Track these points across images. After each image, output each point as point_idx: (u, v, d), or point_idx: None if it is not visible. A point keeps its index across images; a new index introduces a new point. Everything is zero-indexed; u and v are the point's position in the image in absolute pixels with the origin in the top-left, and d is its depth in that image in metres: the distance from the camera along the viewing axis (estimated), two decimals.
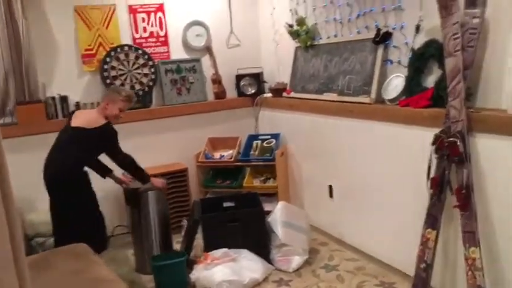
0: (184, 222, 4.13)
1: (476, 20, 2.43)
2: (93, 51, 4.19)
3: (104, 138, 3.27)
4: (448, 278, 2.78)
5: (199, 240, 3.53)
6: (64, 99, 4.04)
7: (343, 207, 3.71)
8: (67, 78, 4.11)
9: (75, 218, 3.16)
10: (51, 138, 3.95)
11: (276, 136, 4.43)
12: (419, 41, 2.92)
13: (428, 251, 2.70)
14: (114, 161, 3.38)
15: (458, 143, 2.43)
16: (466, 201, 2.42)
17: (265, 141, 4.43)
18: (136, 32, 4.37)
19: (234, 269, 3.11)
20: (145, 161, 4.05)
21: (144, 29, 4.40)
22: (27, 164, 3.90)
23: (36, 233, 3.63)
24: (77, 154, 3.20)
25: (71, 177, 3.22)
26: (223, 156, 4.43)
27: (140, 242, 3.51)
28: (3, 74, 3.76)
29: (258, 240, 3.38)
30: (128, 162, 3.38)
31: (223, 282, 3.04)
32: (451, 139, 2.47)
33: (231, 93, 4.78)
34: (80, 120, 3.29)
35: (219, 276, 3.05)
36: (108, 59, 4.19)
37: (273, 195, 4.24)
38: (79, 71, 4.17)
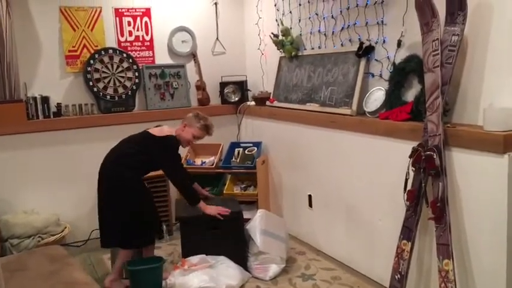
0: (163, 228, 4.11)
1: (455, 38, 2.50)
2: (77, 53, 4.17)
3: (161, 146, 3.26)
4: None
5: (177, 246, 3.51)
6: (45, 99, 4.00)
7: (321, 217, 3.74)
8: (49, 78, 4.08)
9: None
10: (31, 138, 3.95)
11: (257, 144, 4.45)
12: (401, 55, 2.98)
13: (403, 262, 2.74)
14: (164, 172, 3.43)
15: (435, 157, 2.48)
16: (441, 213, 2.47)
17: (247, 149, 4.45)
18: (122, 35, 4.36)
19: (211, 275, 3.10)
20: None
21: (130, 33, 4.40)
22: (5, 164, 3.87)
23: (10, 235, 3.58)
24: (133, 156, 3.25)
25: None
26: (204, 162, 4.43)
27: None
28: None
29: (236, 247, 3.37)
30: (178, 178, 3.35)
31: None
32: (428, 153, 2.52)
33: (215, 100, 4.80)
34: (154, 130, 3.37)
35: (195, 283, 3.04)
36: (92, 61, 4.18)
37: (252, 203, 4.26)
38: (62, 72, 4.15)
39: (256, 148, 4.42)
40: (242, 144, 4.55)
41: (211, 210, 3.29)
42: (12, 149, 3.91)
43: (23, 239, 3.60)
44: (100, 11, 4.23)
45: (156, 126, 3.46)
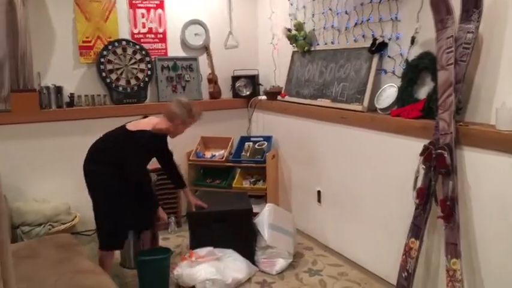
0: (172, 219, 4.14)
1: (470, 35, 2.47)
2: (91, 44, 4.19)
3: (128, 141, 3.04)
4: None
5: (185, 238, 3.53)
6: (59, 89, 4.03)
7: (330, 213, 3.74)
8: (63, 68, 4.11)
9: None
10: (44, 127, 3.99)
11: (268, 139, 4.45)
12: (414, 52, 2.95)
13: (411, 261, 2.73)
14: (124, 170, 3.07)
15: (446, 155, 2.46)
16: (450, 212, 2.45)
17: (257, 143, 4.45)
18: (135, 27, 4.38)
19: (218, 268, 3.12)
20: None
21: (143, 25, 4.41)
22: (18, 152, 3.91)
23: (22, 222, 3.62)
24: (105, 151, 3.12)
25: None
26: (214, 155, 4.45)
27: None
28: None
29: (244, 240, 3.39)
30: (134, 178, 3.09)
31: (206, 280, 3.05)
32: (439, 151, 2.50)
33: (226, 93, 4.80)
34: (131, 124, 3.19)
35: (202, 275, 3.06)
36: (105, 52, 4.19)
37: (261, 197, 4.26)
38: (75, 62, 4.17)
39: (266, 142, 4.42)
40: (252, 139, 4.55)
41: (164, 214, 3.30)
42: (25, 138, 3.95)
43: (34, 227, 3.64)
44: (114, 3, 4.24)
45: (144, 117, 3.30)
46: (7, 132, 3.77)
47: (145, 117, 3.30)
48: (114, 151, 3.06)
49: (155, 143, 3.11)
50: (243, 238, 3.39)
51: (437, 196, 2.56)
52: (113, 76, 4.24)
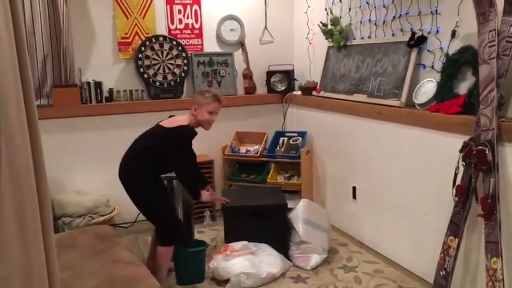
0: (207, 213, 4.19)
1: None
2: (129, 40, 4.28)
3: (171, 138, 3.05)
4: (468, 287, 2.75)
5: (219, 232, 3.57)
6: (98, 84, 4.14)
7: (365, 210, 3.70)
8: (102, 64, 4.21)
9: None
10: (84, 121, 4.10)
11: (302, 134, 4.44)
12: (455, 46, 2.88)
13: (449, 259, 2.68)
14: (172, 165, 3.13)
15: (487, 152, 2.40)
16: (491, 210, 2.39)
17: (292, 139, 4.45)
18: (172, 23, 4.44)
19: (253, 262, 3.14)
20: None
21: (180, 21, 4.47)
22: (60, 146, 4.04)
23: (63, 213, 3.75)
24: (144, 150, 3.13)
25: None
26: (249, 150, 4.47)
27: None
28: (42, 56, 3.88)
29: (279, 235, 3.40)
30: (183, 174, 3.15)
31: (241, 274, 3.07)
32: (480, 147, 2.44)
33: (261, 89, 4.81)
34: (165, 122, 3.20)
35: (237, 268, 3.09)
36: (143, 48, 4.27)
37: (296, 193, 4.26)
38: (114, 58, 4.27)
39: (301, 138, 4.41)
40: (287, 134, 4.55)
41: (205, 196, 3.23)
42: (66, 132, 4.07)
43: (75, 218, 3.76)
44: (152, 0, 4.32)
45: (170, 117, 3.29)
46: (50, 126, 3.90)
47: (170, 117, 3.31)
48: (156, 148, 3.08)
49: (194, 136, 3.13)
50: (277, 233, 3.40)
51: (478, 194, 2.50)
52: (150, 71, 4.31)
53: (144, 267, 2.54)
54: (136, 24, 4.28)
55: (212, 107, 3.12)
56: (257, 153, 4.38)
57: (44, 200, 1.37)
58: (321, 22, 4.14)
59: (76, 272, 2.34)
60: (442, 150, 2.86)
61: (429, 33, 3.10)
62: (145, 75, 4.30)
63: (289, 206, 3.56)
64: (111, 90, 4.22)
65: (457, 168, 2.62)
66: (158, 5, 4.35)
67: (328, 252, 3.47)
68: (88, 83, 4.10)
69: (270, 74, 4.73)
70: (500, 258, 2.35)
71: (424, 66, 3.16)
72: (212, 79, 4.58)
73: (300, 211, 3.47)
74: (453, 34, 2.90)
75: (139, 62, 4.27)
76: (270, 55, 4.79)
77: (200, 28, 4.54)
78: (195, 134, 3.09)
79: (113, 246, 2.69)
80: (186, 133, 3.06)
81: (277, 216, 3.41)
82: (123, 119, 4.25)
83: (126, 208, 4.23)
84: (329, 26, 4.05)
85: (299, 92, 4.56)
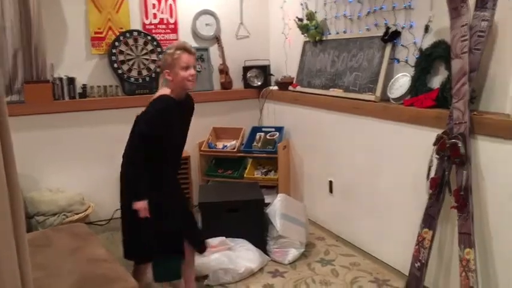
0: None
1: (485, 23, 2.43)
2: (103, 35, 4.21)
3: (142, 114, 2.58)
4: (442, 278, 2.80)
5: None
6: (71, 80, 4.06)
7: (342, 203, 3.73)
8: (75, 60, 4.13)
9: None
10: (57, 118, 4.02)
11: (279, 129, 4.44)
12: (428, 41, 2.92)
13: (424, 251, 2.72)
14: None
15: (460, 145, 2.44)
16: (464, 202, 2.44)
17: (269, 134, 4.45)
18: (147, 18, 4.38)
19: (231, 257, 3.14)
20: None
21: (154, 16, 4.41)
22: (32, 143, 3.96)
23: (36, 212, 3.67)
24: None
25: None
26: (226, 146, 4.46)
27: None
28: (12, 51, 3.78)
29: (256, 230, 3.40)
30: (129, 153, 2.60)
31: (219, 270, 3.07)
32: (453, 140, 2.48)
33: (238, 84, 4.80)
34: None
35: (215, 264, 3.09)
36: (117, 43, 4.20)
37: (273, 188, 4.27)
38: (87, 53, 4.19)
39: (277, 133, 4.42)
40: (264, 129, 4.55)
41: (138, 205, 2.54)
42: (39, 129, 3.99)
43: (48, 217, 3.68)
44: None
45: None
46: (21, 123, 3.81)
47: None
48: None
49: (178, 109, 2.57)
50: (255, 228, 3.41)
51: (451, 186, 2.54)
52: (125, 67, 4.25)
53: (122, 265, 2.51)
54: (109, 19, 4.21)
55: (182, 60, 2.52)
56: (234, 149, 4.37)
57: (15, 198, 1.33)
58: (296, 17, 4.15)
59: (50, 272, 2.29)
60: (416, 144, 2.91)
61: (403, 28, 3.13)
62: (120, 71, 4.23)
63: (266, 201, 3.57)
64: (84, 86, 4.14)
65: (431, 161, 2.66)
66: None
67: (305, 246, 3.50)
68: (60, 79, 4.02)
69: (246, 69, 4.72)
70: (473, 249, 2.41)
71: (398, 61, 3.20)
72: None
73: (277, 206, 3.48)
74: (426, 29, 2.94)
75: (113, 58, 4.21)
76: (246, 50, 4.78)
77: (175, 23, 4.50)
78: (170, 105, 2.52)
79: (88, 244, 2.64)
80: (158, 103, 2.54)
81: (254, 211, 3.41)
82: (97, 116, 4.19)
83: (102, 205, 4.19)
84: (305, 21, 4.06)
85: (275, 87, 4.56)
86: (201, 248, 2.86)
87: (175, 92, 2.59)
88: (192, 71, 2.56)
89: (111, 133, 4.23)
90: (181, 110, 2.64)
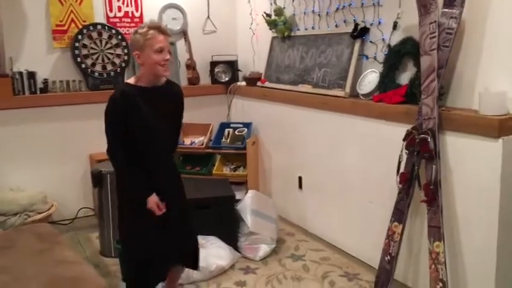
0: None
1: (453, 20, 2.48)
2: (65, 28, 4.06)
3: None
4: (411, 271, 2.86)
5: None
6: (32, 75, 3.90)
7: (311, 199, 3.75)
8: (36, 53, 3.97)
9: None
10: (17, 114, 3.87)
11: (248, 125, 4.42)
12: (396, 38, 2.96)
13: (394, 244, 2.76)
14: None
15: (429, 140, 2.48)
16: (434, 196, 2.48)
17: (237, 130, 4.42)
18: (111, 10, 4.26)
19: (202, 255, 3.09)
20: None
21: (119, 9, 4.30)
22: None
23: None
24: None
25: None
26: (194, 142, 4.40)
27: (106, 224, 3.44)
28: None
29: (227, 227, 3.37)
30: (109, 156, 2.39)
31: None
32: (422, 136, 2.52)
33: (205, 79, 4.74)
34: None
35: None
36: (80, 37, 4.07)
37: (242, 184, 4.25)
38: (49, 47, 4.03)
39: (246, 129, 4.39)
40: (232, 125, 4.52)
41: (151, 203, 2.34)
42: None
43: (9, 216, 3.53)
44: None
45: None
46: None
47: None
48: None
49: (146, 96, 2.30)
50: (225, 225, 3.37)
51: (421, 180, 2.59)
52: (89, 61, 4.12)
53: (90, 266, 2.43)
54: (72, 11, 4.07)
55: (155, 42, 2.23)
56: (202, 145, 4.31)
57: None
58: (264, 12, 4.13)
59: (15, 275, 2.19)
60: (385, 139, 2.94)
61: (371, 24, 3.16)
62: (83, 65, 4.11)
63: (236, 197, 3.54)
64: (45, 81, 3.99)
65: (401, 156, 2.70)
66: None
67: (276, 242, 3.49)
68: (20, 73, 3.86)
69: (213, 64, 4.67)
70: (442, 242, 2.46)
71: (367, 57, 3.23)
72: None
73: (248, 202, 3.46)
74: (395, 26, 2.98)
75: (76, 51, 4.07)
76: (213, 45, 4.73)
77: (141, 16, 4.39)
78: (126, 93, 2.27)
79: (54, 245, 2.55)
80: (113, 93, 2.32)
81: (225, 208, 3.37)
82: (60, 111, 4.05)
83: (65, 204, 4.07)
84: (273, 17, 4.04)
85: (243, 83, 4.53)
86: (196, 265, 2.62)
87: (145, 78, 2.32)
88: (166, 55, 2.27)
89: (74, 129, 4.12)
90: (154, 97, 2.33)
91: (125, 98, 2.27)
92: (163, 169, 2.44)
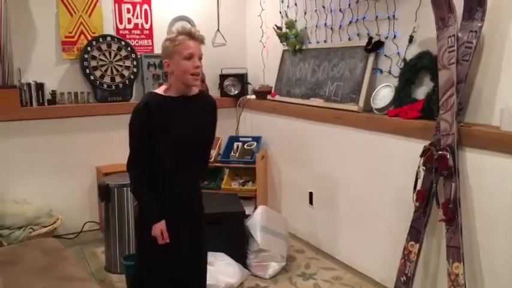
0: None
1: (472, 34, 2.42)
2: (74, 39, 4.03)
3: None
4: None
5: None
6: (40, 86, 3.86)
7: (322, 215, 3.66)
8: (44, 64, 3.94)
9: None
10: (24, 126, 3.82)
11: (257, 139, 4.35)
12: (412, 51, 2.89)
13: (410, 264, 2.67)
14: None
15: (448, 157, 2.41)
16: (453, 215, 2.40)
17: (246, 144, 4.35)
18: (121, 22, 4.23)
19: (210, 272, 2.98)
20: (123, 156, 3.92)
21: (129, 20, 4.27)
22: None
23: (0, 225, 3.44)
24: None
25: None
26: None
27: (113, 239, 3.36)
28: None
29: (236, 244, 3.28)
30: (128, 167, 2.20)
31: None
32: (441, 152, 2.44)
33: (214, 92, 4.68)
34: None
35: None
36: (89, 48, 4.04)
37: (250, 199, 4.17)
38: (58, 58, 4.00)
39: (255, 143, 4.33)
40: (241, 139, 4.45)
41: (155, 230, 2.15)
42: (4, 137, 3.77)
43: (14, 230, 3.47)
44: None
45: None
46: None
47: None
48: None
49: (175, 107, 2.13)
50: (235, 241, 3.29)
51: (439, 199, 2.50)
52: (97, 73, 4.09)
53: (95, 282, 2.35)
54: (81, 22, 4.04)
55: (184, 47, 2.08)
56: (211, 159, 4.24)
57: None
58: (275, 25, 4.08)
59: None
60: (401, 155, 2.87)
61: (386, 38, 3.10)
62: (92, 77, 4.07)
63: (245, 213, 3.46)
64: (53, 92, 3.95)
65: (418, 173, 2.62)
66: (106, 3, 4.14)
67: (286, 259, 3.40)
68: (28, 84, 3.82)
69: (223, 77, 4.62)
70: (461, 263, 2.36)
71: (381, 71, 3.17)
72: (163, 82, 4.39)
73: (257, 218, 3.38)
74: (410, 39, 2.91)
75: (85, 63, 4.04)
76: (223, 58, 4.68)
77: (150, 28, 4.36)
78: (152, 102, 2.09)
79: (60, 261, 2.47)
80: (135, 108, 2.14)
81: (234, 224, 3.29)
82: (67, 123, 4.00)
83: (70, 218, 4.01)
84: (284, 30, 4.00)
85: (253, 96, 4.47)
86: None
87: (174, 87, 2.15)
88: (196, 62, 2.09)
89: (81, 141, 4.07)
90: (184, 109, 2.16)
91: (149, 109, 2.09)
92: (187, 188, 2.26)
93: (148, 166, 2.13)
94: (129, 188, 3.26)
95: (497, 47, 2.40)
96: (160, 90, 2.19)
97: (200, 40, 2.14)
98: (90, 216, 4.15)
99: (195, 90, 2.25)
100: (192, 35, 2.11)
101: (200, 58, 2.13)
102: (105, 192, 3.36)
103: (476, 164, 2.40)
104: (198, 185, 2.40)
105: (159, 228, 2.15)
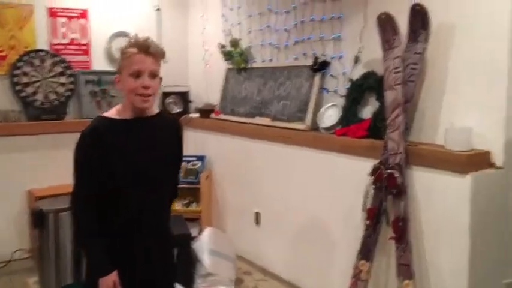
0: None
1: (417, 56, 2.49)
2: (4, 54, 3.76)
3: None
4: None
5: None
6: None
7: (269, 236, 3.61)
8: None
9: None
10: None
11: (201, 158, 4.25)
12: (358, 72, 2.94)
13: (361, 283, 2.67)
14: None
15: (397, 175, 2.44)
16: (403, 233, 2.43)
17: (190, 163, 4.24)
18: (55, 37, 4.01)
19: None
20: (58, 179, 3.69)
21: (64, 35, 4.06)
22: None
23: None
24: None
25: None
26: None
27: (48, 269, 3.12)
28: None
29: (183, 268, 3.14)
30: (72, 208, 1.84)
31: None
32: (390, 171, 2.47)
33: (156, 110, 4.54)
34: None
35: None
36: (20, 64, 3.78)
37: (195, 220, 4.04)
38: None
39: (200, 162, 4.22)
40: (185, 158, 4.32)
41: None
42: None
43: None
44: (32, 10, 3.85)
45: None
46: None
47: None
48: None
49: (127, 130, 1.84)
50: (181, 266, 3.14)
51: (389, 217, 2.53)
52: (29, 90, 3.83)
53: None
54: (12, 36, 3.78)
55: (132, 62, 1.78)
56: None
57: None
58: (219, 43, 4.04)
59: None
60: (348, 174, 2.88)
61: (332, 58, 3.14)
62: (23, 94, 3.80)
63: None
64: None
65: (367, 191, 2.64)
66: (39, 16, 3.91)
67: (234, 283, 3.30)
68: None
69: (164, 95, 4.50)
70: (412, 280, 2.39)
71: (327, 91, 3.20)
72: (101, 99, 4.20)
73: (204, 241, 3.28)
74: (356, 60, 2.97)
75: (16, 79, 3.78)
76: (164, 76, 4.40)
77: (88, 44, 4.17)
78: (99, 127, 1.81)
79: None
80: (81, 133, 1.82)
81: (181, 247, 3.15)
82: None
83: None
84: (228, 48, 3.96)
85: (196, 115, 4.38)
86: None
87: (128, 107, 1.84)
88: (146, 81, 1.77)
89: (10, 163, 3.77)
90: (140, 132, 1.86)
91: (97, 135, 1.78)
92: (149, 228, 1.88)
93: (97, 204, 1.79)
94: (66, 213, 3.05)
95: (439, 67, 2.49)
96: (110, 113, 1.88)
97: (154, 54, 1.80)
98: (19, 244, 3.84)
99: (152, 111, 1.94)
100: (143, 48, 1.78)
101: (154, 76, 1.82)
102: (39, 219, 3.12)
103: (424, 182, 2.46)
104: (165, 231, 1.99)
105: (111, 280, 1.79)
